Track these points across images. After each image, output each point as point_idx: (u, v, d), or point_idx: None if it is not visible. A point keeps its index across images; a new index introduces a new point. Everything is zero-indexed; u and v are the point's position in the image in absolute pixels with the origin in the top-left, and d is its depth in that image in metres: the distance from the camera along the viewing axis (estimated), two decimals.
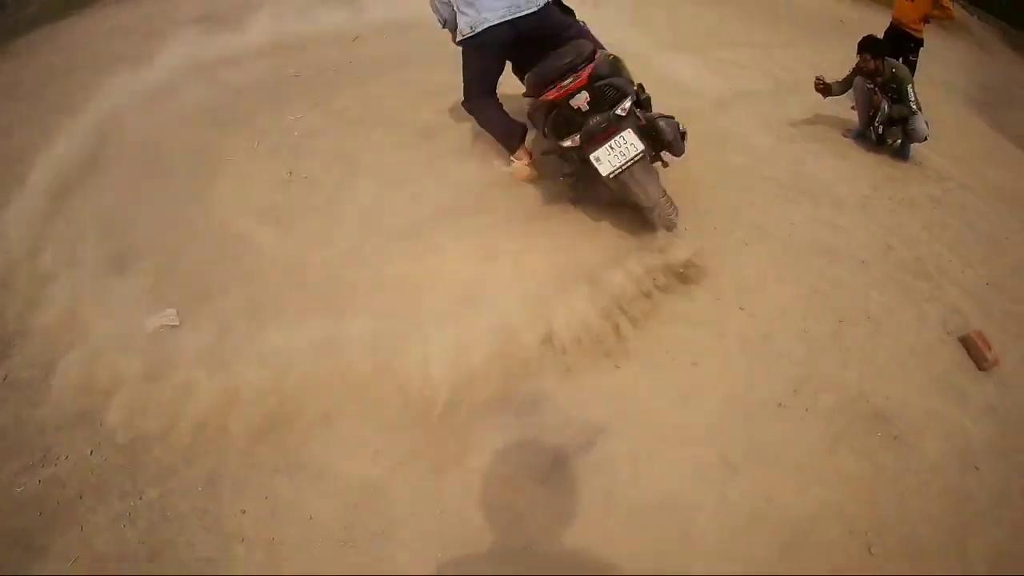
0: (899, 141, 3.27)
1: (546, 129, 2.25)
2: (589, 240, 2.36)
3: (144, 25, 4.39)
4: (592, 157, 2.12)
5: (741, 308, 2.16)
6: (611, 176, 2.13)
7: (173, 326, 2.01)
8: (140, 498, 1.59)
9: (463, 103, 2.56)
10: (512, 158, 2.60)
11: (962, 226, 2.86)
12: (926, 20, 3.82)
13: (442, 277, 2.16)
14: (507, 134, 2.56)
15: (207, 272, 2.23)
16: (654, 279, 2.11)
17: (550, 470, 1.68)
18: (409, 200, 2.56)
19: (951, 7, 3.81)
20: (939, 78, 4.58)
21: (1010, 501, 1.81)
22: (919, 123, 3.13)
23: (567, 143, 2.18)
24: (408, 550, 1.53)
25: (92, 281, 2.18)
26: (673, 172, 2.42)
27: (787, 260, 2.42)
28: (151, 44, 3.82)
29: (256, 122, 3.24)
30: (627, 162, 2.11)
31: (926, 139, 3.19)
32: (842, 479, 1.76)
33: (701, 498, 1.67)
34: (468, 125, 2.93)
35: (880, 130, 3.25)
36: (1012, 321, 2.43)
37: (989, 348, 2.23)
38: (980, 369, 2.21)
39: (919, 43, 3.88)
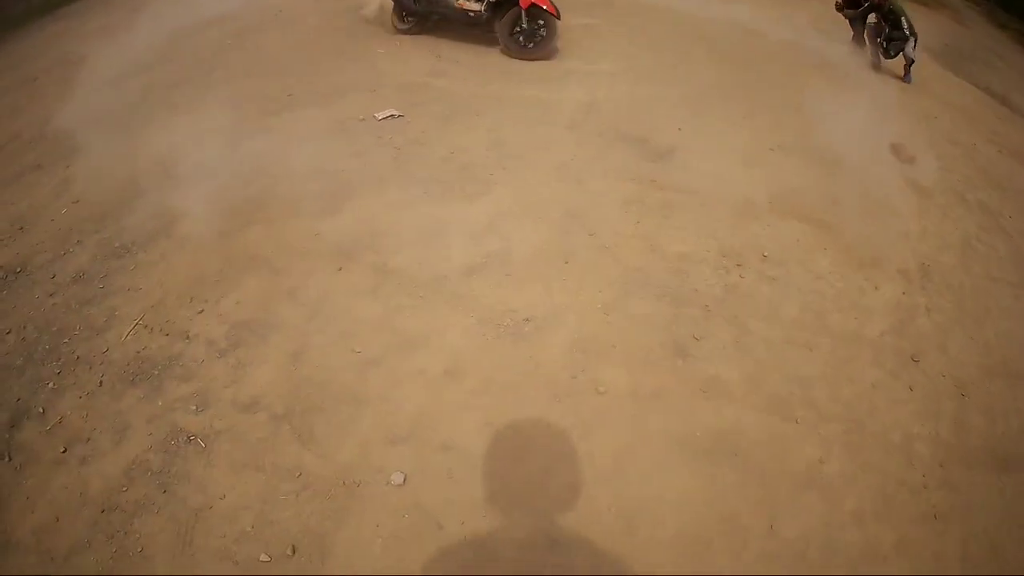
0: (899, 55, 5.79)
1: None
2: None
3: None
4: None
5: None
6: None
7: (400, 116, 4.25)
8: None
9: None
10: None
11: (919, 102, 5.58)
12: None
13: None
14: None
15: (409, 94, 4.58)
16: None
17: None
18: (522, 73, 5.12)
19: None
20: (919, 42, 7.60)
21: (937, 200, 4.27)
22: (910, 45, 5.73)
23: None
24: None
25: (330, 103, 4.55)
26: None
27: None
28: None
29: (381, 36, 5.81)
30: None
31: (914, 61, 5.80)
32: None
33: None
34: None
35: (884, 44, 5.86)
36: (928, 145, 5.03)
37: (907, 149, 4.80)
38: (907, 162, 4.76)
39: None
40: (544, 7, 4.68)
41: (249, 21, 5.37)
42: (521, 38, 4.90)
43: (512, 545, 2.16)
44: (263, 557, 2.05)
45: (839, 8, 6.32)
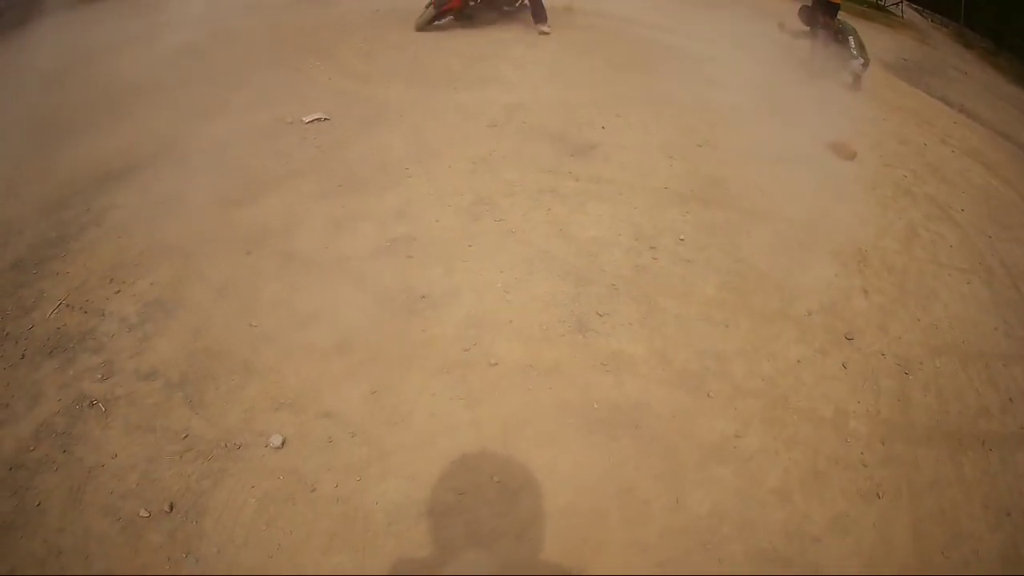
0: (847, 74, 6.50)
1: None
2: None
3: None
4: None
5: None
6: None
7: (326, 119, 4.50)
8: None
9: None
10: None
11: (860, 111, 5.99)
12: None
13: None
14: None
15: (337, 100, 4.90)
16: None
17: None
18: (450, 78, 5.53)
19: None
20: (870, 55, 8.23)
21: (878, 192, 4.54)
22: (855, 62, 6.53)
23: None
24: None
25: None
26: None
27: None
28: None
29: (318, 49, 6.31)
30: None
31: (860, 74, 6.51)
32: None
33: None
34: None
35: (832, 61, 6.38)
36: (873, 143, 5.37)
37: (848, 145, 5.11)
38: (845, 159, 5.06)
39: (835, 6, 7.46)
40: None
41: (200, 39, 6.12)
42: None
43: (384, 511, 2.29)
44: (143, 512, 2.33)
45: (783, 28, 6.90)
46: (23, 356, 2.88)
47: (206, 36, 6.11)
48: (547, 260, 3.26)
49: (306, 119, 4.56)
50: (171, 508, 2.36)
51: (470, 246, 3.33)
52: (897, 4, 10.58)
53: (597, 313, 3.02)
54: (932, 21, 10.75)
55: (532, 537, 2.27)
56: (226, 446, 2.51)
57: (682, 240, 3.52)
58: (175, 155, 4.14)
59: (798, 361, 3.04)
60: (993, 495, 2.73)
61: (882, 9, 10.16)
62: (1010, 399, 3.19)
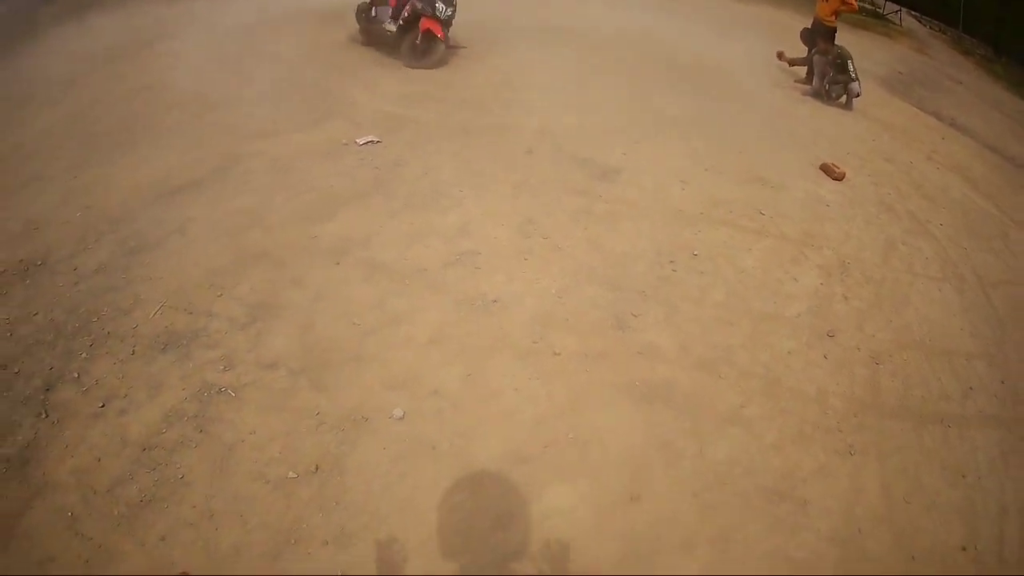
0: (843, 96, 7.90)
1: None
2: None
3: None
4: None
5: None
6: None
7: (378, 142, 5.63)
8: None
9: None
10: None
11: (856, 126, 7.45)
12: (836, 14, 8.99)
13: None
14: None
15: (386, 123, 6.20)
16: None
17: None
18: (480, 104, 6.89)
19: (854, 2, 8.55)
20: (865, 69, 9.75)
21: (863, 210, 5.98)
22: (855, 85, 8.01)
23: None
24: None
25: None
26: None
27: None
28: None
29: (359, 74, 7.63)
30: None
31: (859, 95, 8.04)
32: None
33: None
34: None
35: (827, 87, 7.88)
36: (862, 163, 6.84)
37: (837, 167, 6.54)
38: (835, 180, 6.52)
39: (832, 31, 9.04)
40: (437, 34, 7.28)
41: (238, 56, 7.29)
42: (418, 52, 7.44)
43: (490, 459, 3.37)
44: (291, 474, 3.00)
45: (781, 56, 8.48)
46: (133, 352, 3.44)
47: (243, 54, 7.25)
48: (588, 271, 4.55)
49: (360, 141, 5.69)
50: (316, 469, 2.98)
51: (526, 259, 4.59)
52: (896, 12, 12.18)
53: (632, 314, 4.34)
54: (930, 28, 12.38)
55: (601, 477, 3.40)
56: (354, 419, 3.28)
57: (695, 255, 4.88)
58: (237, 172, 5.09)
59: (789, 352, 4.34)
60: (950, 461, 3.91)
61: (880, 17, 11.72)
62: (970, 388, 4.45)
